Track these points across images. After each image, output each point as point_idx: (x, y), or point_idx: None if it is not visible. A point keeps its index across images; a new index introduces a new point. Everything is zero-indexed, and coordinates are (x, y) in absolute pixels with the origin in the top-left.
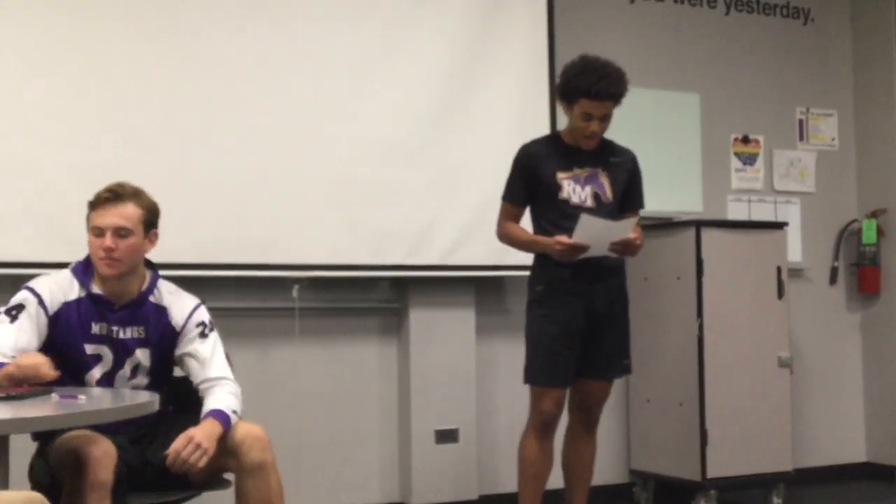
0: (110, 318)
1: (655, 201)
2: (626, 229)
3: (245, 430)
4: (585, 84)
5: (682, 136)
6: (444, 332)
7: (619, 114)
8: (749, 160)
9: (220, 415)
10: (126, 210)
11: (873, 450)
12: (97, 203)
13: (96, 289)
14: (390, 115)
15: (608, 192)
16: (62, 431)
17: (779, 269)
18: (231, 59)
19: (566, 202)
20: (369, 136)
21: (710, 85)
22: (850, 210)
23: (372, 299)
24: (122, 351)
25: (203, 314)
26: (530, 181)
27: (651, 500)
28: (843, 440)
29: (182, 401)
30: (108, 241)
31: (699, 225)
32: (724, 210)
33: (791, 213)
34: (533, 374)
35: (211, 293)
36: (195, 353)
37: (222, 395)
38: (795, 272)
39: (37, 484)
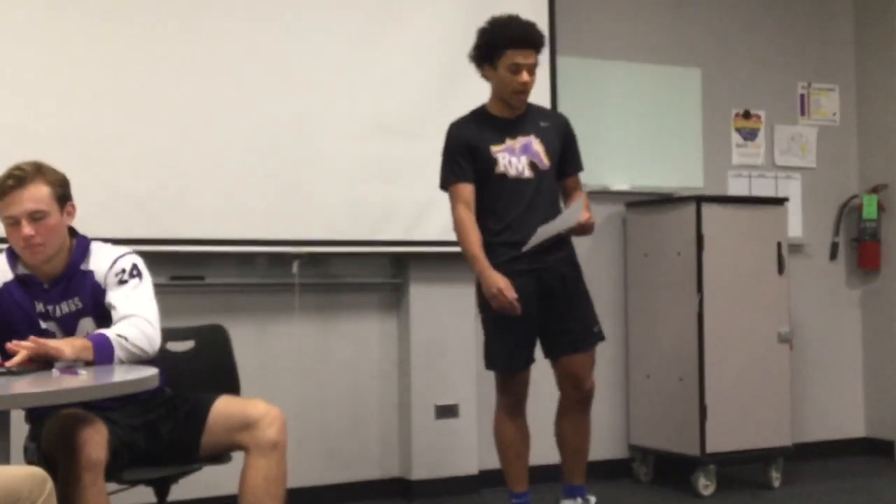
0: (43, 297)
1: (656, 176)
2: (577, 213)
3: (265, 408)
4: (510, 34)
5: (683, 111)
6: (444, 308)
7: (619, 88)
8: (750, 135)
9: (97, 337)
10: (34, 192)
11: (872, 425)
12: (3, 193)
13: (23, 269)
14: (390, 90)
15: (544, 159)
16: (53, 413)
17: (779, 245)
18: (230, 35)
19: (504, 176)
20: (370, 112)
21: (712, 60)
22: (851, 185)
23: (372, 275)
24: (68, 326)
25: (124, 262)
26: (470, 158)
27: (650, 474)
28: (842, 415)
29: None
30: (26, 229)
31: (700, 200)
32: (725, 185)
33: (792, 189)
34: (493, 362)
35: (211, 269)
36: (111, 300)
37: (121, 323)
38: (796, 248)
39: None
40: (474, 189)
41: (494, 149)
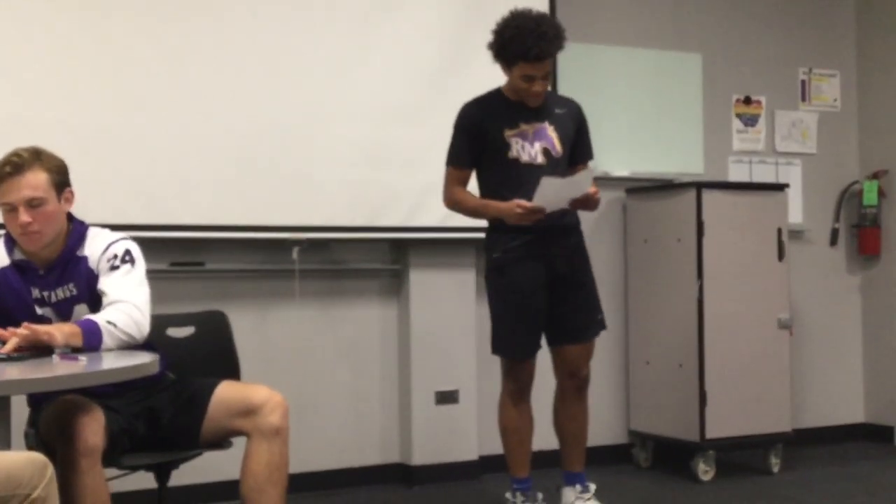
0: (39, 283)
1: (656, 162)
2: (586, 183)
3: (268, 394)
4: (522, 48)
5: (684, 97)
6: (444, 294)
7: (620, 74)
8: (750, 121)
9: (86, 322)
10: (32, 179)
11: (872, 410)
12: (1, 180)
13: (19, 255)
14: (390, 77)
15: (558, 146)
16: (52, 400)
17: (779, 231)
18: (230, 22)
19: (516, 161)
20: (370, 98)
21: (712, 45)
22: (852, 171)
23: (372, 261)
24: (63, 312)
25: (116, 248)
26: (476, 142)
27: (650, 460)
28: (841, 401)
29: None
30: (23, 216)
31: (700, 186)
32: (726, 171)
33: (792, 175)
34: (501, 347)
35: (211, 255)
36: (102, 286)
37: (109, 309)
38: (796, 234)
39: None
40: (478, 173)
41: (508, 133)
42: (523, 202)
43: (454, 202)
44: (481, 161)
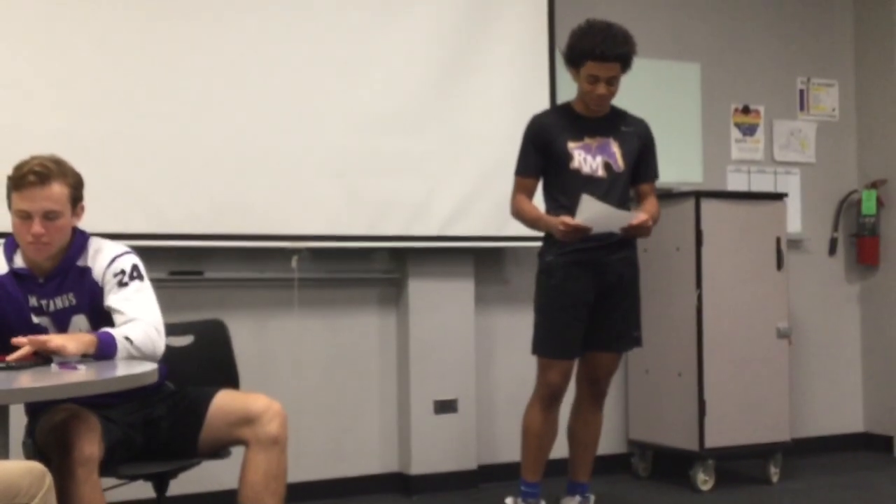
0: (38, 291)
1: None
2: (627, 219)
3: (267, 403)
4: (590, 45)
5: (683, 107)
6: (443, 303)
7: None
8: (749, 130)
9: (103, 334)
10: (54, 192)
11: (871, 420)
12: (22, 185)
13: (19, 263)
14: (390, 85)
15: (619, 162)
16: (49, 409)
17: (778, 240)
18: (230, 29)
19: (577, 172)
20: (369, 107)
21: (711, 55)
22: (850, 181)
23: (371, 270)
24: (60, 322)
25: (123, 263)
26: (542, 152)
27: (649, 469)
28: (840, 410)
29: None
30: (37, 226)
31: (699, 196)
32: (724, 181)
33: (791, 184)
34: (541, 346)
35: (210, 264)
36: (113, 304)
37: (127, 326)
38: (795, 243)
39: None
40: (542, 181)
41: (572, 144)
42: (566, 219)
43: (517, 211)
44: (546, 170)
